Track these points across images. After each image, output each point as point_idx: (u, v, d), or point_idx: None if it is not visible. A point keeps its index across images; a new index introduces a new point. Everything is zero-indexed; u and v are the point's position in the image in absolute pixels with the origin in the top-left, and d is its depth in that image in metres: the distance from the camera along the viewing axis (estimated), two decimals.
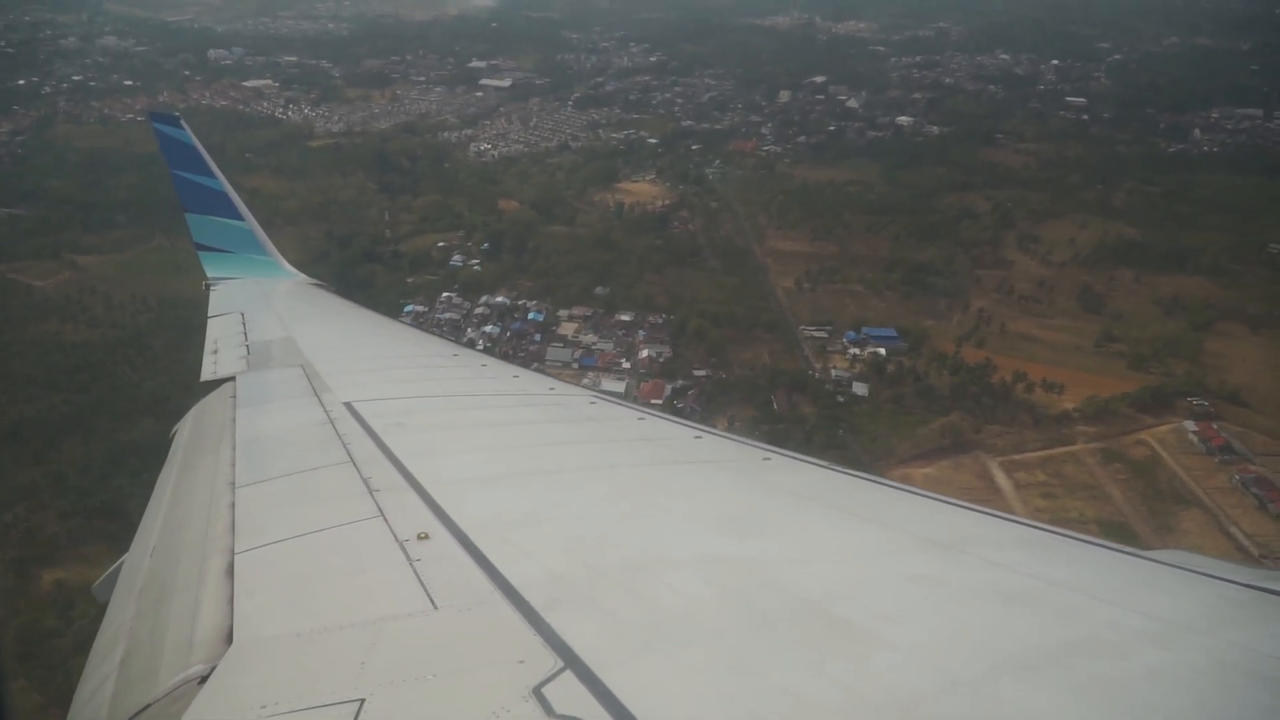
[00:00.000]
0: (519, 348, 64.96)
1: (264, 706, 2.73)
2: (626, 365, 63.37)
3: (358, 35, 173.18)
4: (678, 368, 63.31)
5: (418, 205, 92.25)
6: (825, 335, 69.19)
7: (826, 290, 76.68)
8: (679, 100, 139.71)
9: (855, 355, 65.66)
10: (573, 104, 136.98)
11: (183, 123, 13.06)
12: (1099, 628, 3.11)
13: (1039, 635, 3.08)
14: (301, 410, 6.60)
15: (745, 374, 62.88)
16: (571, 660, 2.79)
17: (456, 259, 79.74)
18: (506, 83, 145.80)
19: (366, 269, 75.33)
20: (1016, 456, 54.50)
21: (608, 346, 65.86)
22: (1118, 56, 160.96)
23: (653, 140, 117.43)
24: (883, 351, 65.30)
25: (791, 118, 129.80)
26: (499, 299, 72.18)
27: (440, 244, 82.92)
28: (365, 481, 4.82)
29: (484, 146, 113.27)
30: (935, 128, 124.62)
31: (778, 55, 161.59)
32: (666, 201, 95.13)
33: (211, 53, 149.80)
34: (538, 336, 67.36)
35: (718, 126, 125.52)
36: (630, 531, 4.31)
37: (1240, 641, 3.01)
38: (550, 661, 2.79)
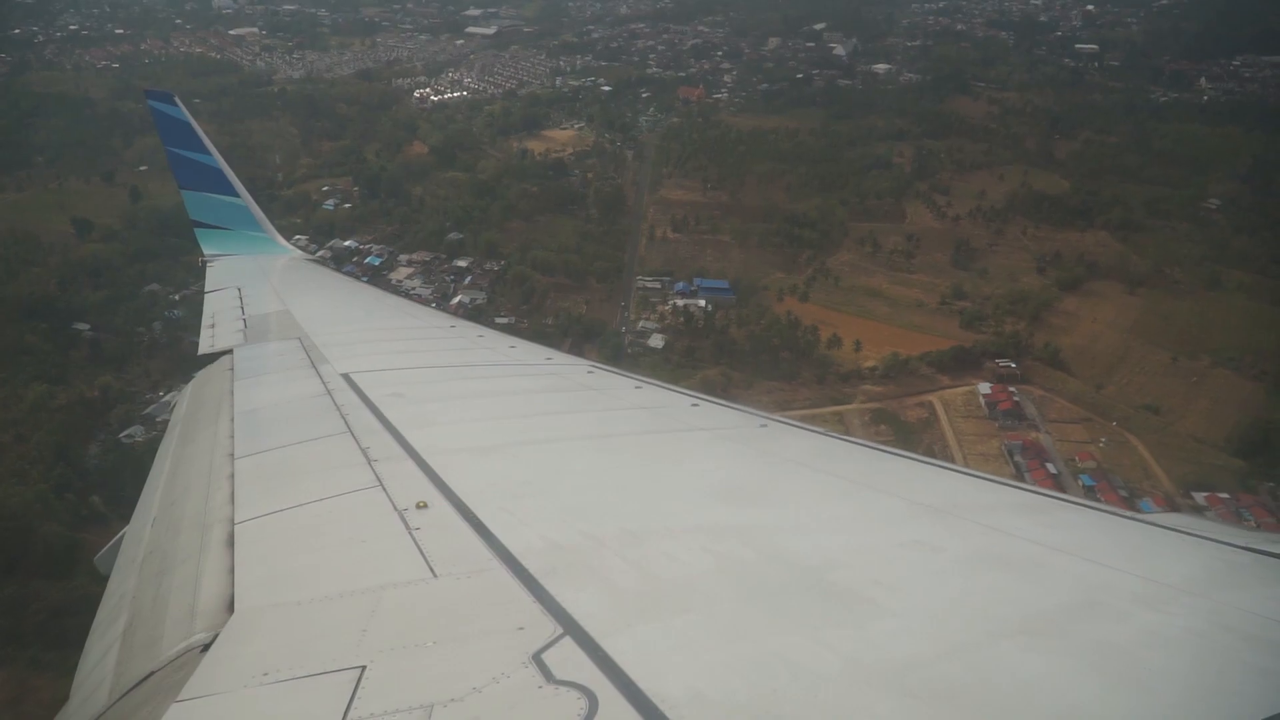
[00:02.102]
0: None
1: (266, 674, 2.75)
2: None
3: None
4: (484, 314, 62.10)
5: (326, 150, 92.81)
6: (659, 286, 66.71)
7: (691, 239, 73.75)
8: (659, 47, 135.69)
9: (674, 307, 63.04)
10: (548, 52, 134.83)
11: (176, 100, 13.09)
12: (1096, 591, 3.10)
13: (1037, 600, 3.06)
14: (299, 382, 6.65)
15: (548, 323, 61.27)
16: (571, 627, 2.78)
17: (330, 203, 79.97)
18: (491, 30, 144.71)
19: None
20: (777, 414, 51.32)
21: (426, 292, 65.12)
22: (1164, 1, 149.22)
23: (607, 87, 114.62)
24: (702, 303, 62.58)
25: (763, 65, 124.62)
26: (347, 243, 72.19)
27: (325, 188, 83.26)
28: (364, 451, 4.83)
29: (427, 92, 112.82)
30: (912, 76, 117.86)
31: (788, 0, 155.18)
32: (576, 149, 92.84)
33: (215, 1, 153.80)
34: (364, 280, 66.96)
35: (681, 74, 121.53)
36: (628, 499, 4.30)
37: (1237, 604, 3.01)
38: (549, 628, 2.78)
